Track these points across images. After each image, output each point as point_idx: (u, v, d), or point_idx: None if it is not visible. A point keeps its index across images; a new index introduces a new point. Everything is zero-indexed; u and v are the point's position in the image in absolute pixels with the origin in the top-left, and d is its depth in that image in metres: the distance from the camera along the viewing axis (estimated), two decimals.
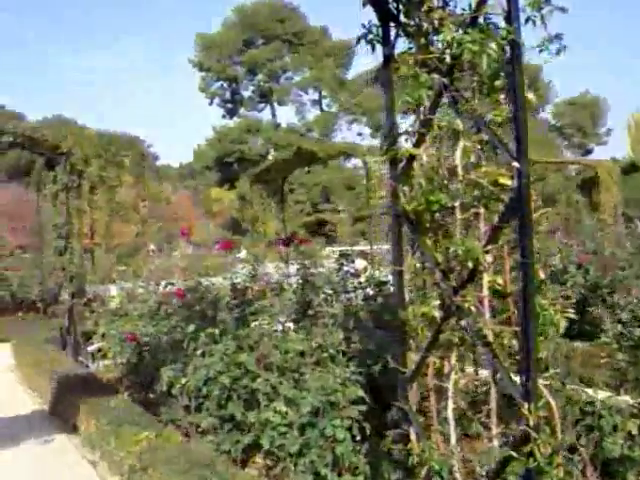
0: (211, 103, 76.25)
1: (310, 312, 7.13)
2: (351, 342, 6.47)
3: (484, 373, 4.51)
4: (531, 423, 3.50)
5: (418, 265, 4.44)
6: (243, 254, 20.87)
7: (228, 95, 76.41)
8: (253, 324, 7.37)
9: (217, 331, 6.51)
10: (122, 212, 11.26)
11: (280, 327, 7.02)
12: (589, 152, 71.45)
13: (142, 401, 8.60)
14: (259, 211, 18.83)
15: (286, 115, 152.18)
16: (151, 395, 8.75)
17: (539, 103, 74.60)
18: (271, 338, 6.28)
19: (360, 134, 72.67)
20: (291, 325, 7.42)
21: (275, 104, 77.70)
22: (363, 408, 5.37)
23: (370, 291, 7.70)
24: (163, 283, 9.81)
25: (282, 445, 5.44)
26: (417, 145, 4.27)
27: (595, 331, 9.87)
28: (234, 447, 6.29)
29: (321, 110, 77.99)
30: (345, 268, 8.08)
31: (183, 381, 7.09)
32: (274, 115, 77.95)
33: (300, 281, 8.17)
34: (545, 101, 75.03)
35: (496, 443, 3.87)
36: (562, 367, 4.76)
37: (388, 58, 4.46)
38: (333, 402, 5.36)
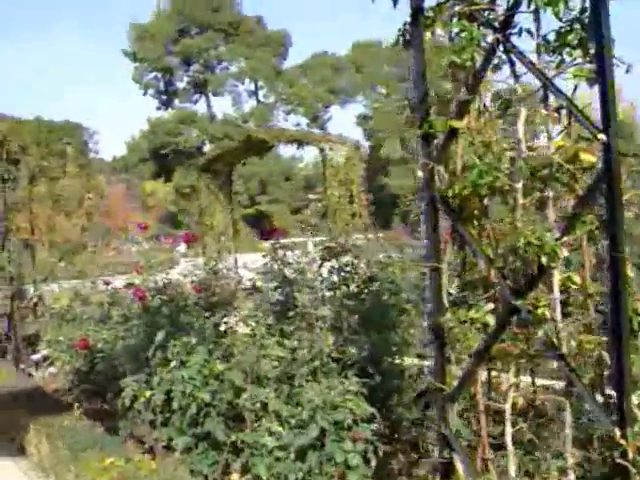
0: (145, 94, 74.50)
1: (291, 313, 6.31)
2: (344, 347, 5.72)
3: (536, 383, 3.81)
4: (630, 455, 2.81)
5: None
6: (182, 248, 19.87)
7: (162, 86, 74.74)
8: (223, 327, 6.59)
9: (193, 340, 5.67)
10: (66, 205, 10.24)
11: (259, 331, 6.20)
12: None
13: (96, 414, 7.75)
14: (206, 203, 17.88)
15: (222, 106, 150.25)
16: (105, 406, 7.91)
17: None
18: (255, 345, 5.44)
19: (298, 125, 71.80)
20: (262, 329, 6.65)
21: (210, 95, 76.41)
22: (374, 427, 4.63)
23: (354, 288, 6.93)
24: (116, 283, 8.90)
25: (278, 474, 4.66)
26: (459, 116, 3.52)
27: None
28: (211, 468, 5.52)
29: (257, 101, 77.01)
30: (329, 263, 7.34)
31: (148, 394, 6.27)
32: (209, 106, 76.70)
33: (273, 278, 7.35)
34: None
35: (573, 478, 3.16)
36: None
37: (417, 12, 3.69)
38: (338, 421, 4.59)
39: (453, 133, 3.56)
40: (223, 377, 5.29)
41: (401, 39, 3.79)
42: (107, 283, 9.58)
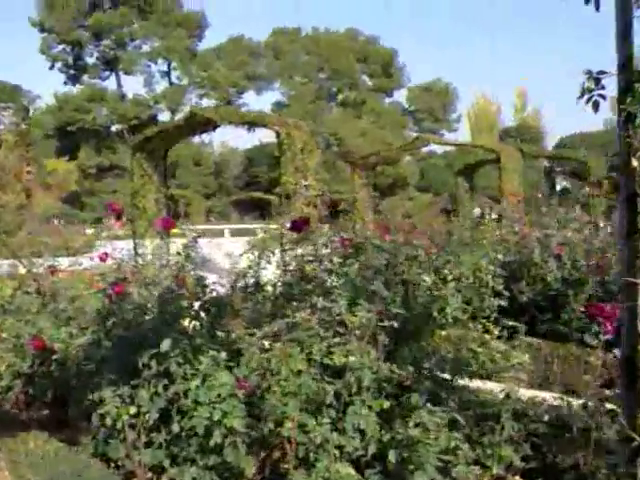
0: (52, 67, 71.10)
1: (296, 318, 5.23)
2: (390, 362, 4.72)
3: None
4: None
5: None
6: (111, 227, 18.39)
7: (71, 60, 71.48)
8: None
9: (220, 353, 4.55)
10: (0, 179, 8.76)
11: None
12: (414, 140, 72.41)
13: (53, 428, 6.56)
14: (139, 184, 16.57)
15: (133, 86, 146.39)
16: (62, 417, 6.71)
17: (392, 87, 75.23)
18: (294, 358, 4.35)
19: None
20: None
21: (121, 73, 73.66)
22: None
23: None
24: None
25: None
26: None
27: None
28: None
29: (170, 83, 74.72)
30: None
31: (132, 411, 5.16)
32: (120, 85, 73.95)
33: (280, 274, 6.29)
34: (399, 85, 75.65)
35: None
36: None
37: None
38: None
39: None
40: (256, 400, 4.21)
41: None
42: (53, 270, 8.30)
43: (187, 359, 4.99)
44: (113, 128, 72.12)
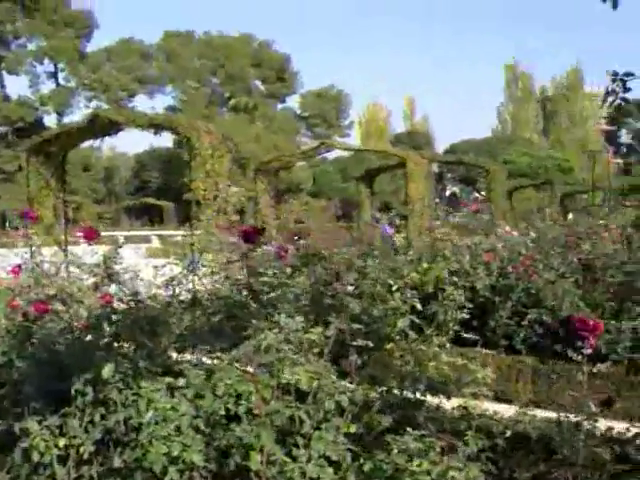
0: None
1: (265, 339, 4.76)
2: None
3: None
4: None
5: None
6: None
7: None
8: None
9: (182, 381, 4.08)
10: None
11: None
12: (318, 145, 72.74)
13: None
14: (35, 190, 15.68)
15: (17, 87, 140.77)
16: None
17: (286, 93, 75.17)
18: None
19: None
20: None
21: (4, 73, 70.59)
22: None
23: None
24: None
25: None
26: None
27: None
28: None
29: (57, 84, 72.17)
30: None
31: (62, 443, 4.63)
32: (2, 85, 70.83)
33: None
34: (292, 91, 75.63)
35: None
36: None
37: None
38: None
39: None
40: (220, 431, 3.76)
41: None
42: None
43: (127, 384, 4.52)
44: None
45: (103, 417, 4.56)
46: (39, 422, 4.80)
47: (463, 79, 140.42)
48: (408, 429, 3.65)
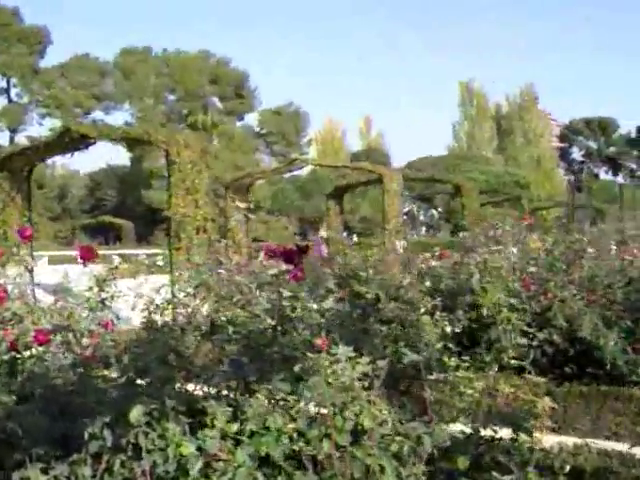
0: None
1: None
2: None
3: None
4: None
5: None
6: None
7: None
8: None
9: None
10: None
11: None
12: (292, 161, 72.24)
13: None
14: None
15: None
16: None
17: (244, 110, 74.63)
18: None
19: (52, 130, 66.30)
20: None
21: None
22: None
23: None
24: None
25: None
26: None
27: None
28: None
29: (9, 100, 70.59)
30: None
31: None
32: None
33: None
34: (250, 108, 75.05)
35: None
36: None
37: None
38: None
39: None
40: None
41: None
42: None
43: (152, 425, 3.95)
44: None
45: (124, 464, 3.99)
46: (44, 471, 4.20)
47: (418, 96, 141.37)
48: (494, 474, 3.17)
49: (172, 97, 72.37)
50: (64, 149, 14.26)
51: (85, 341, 5.09)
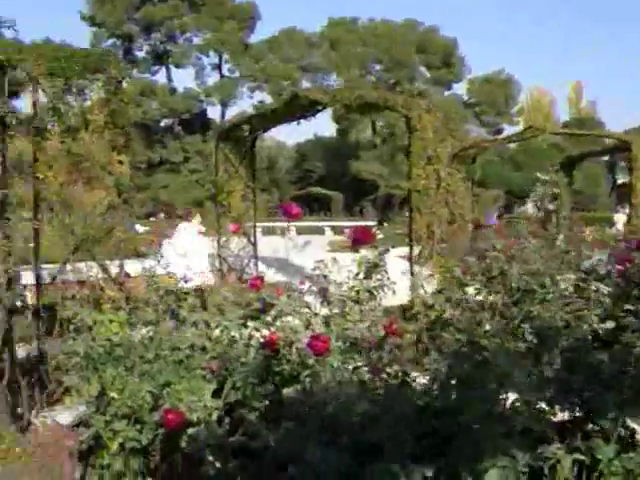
0: None
1: None
2: None
3: None
4: None
5: None
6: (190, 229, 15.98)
7: (121, 54, 69.74)
8: None
9: None
10: (86, 170, 6.63)
11: None
12: (499, 131, 69.26)
13: None
14: (224, 179, 14.27)
15: (182, 79, 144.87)
16: None
17: (452, 79, 72.41)
18: None
19: (262, 102, 67.44)
20: None
21: (172, 67, 71.91)
22: None
23: None
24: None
25: None
26: None
27: None
28: None
29: (221, 76, 72.69)
30: None
31: None
32: (170, 79, 72.14)
33: None
34: (458, 77, 72.67)
35: None
36: None
37: None
38: None
39: None
40: None
41: None
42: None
43: None
44: (163, 123, 70.42)
45: None
46: None
47: (631, 65, 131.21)
48: None
49: (378, 67, 71.38)
50: (290, 116, 13.31)
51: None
